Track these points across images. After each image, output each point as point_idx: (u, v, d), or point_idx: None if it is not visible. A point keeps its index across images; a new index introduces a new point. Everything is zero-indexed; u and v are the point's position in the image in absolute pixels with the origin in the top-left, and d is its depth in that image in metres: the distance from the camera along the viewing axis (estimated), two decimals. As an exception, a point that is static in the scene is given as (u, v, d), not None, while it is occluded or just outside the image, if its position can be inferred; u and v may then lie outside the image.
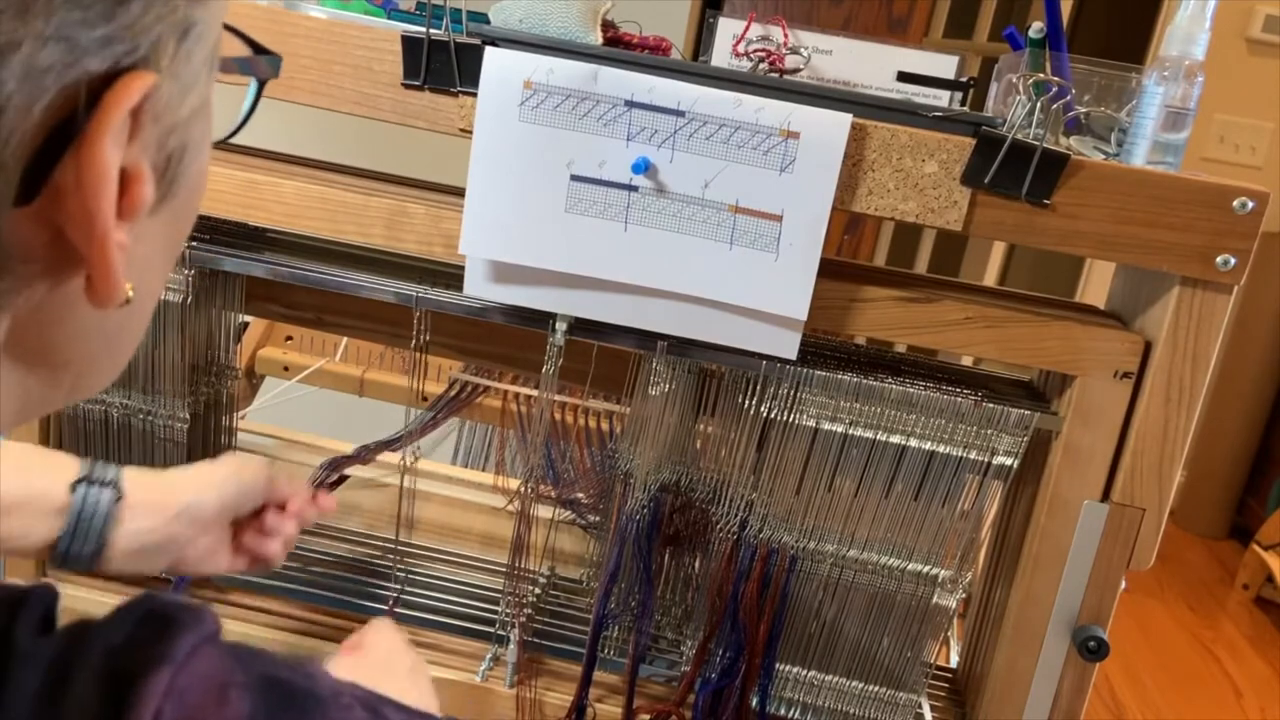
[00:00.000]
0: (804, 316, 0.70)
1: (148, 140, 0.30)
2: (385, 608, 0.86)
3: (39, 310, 0.31)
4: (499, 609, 0.86)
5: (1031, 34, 0.75)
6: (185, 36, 0.30)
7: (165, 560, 0.73)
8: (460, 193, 0.71)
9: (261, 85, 0.41)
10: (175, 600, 0.33)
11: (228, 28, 0.35)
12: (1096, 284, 2.43)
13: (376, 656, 0.69)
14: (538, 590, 0.91)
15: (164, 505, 0.71)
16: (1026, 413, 0.74)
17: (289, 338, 1.28)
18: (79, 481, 0.67)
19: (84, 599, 0.85)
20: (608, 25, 0.73)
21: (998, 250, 2.33)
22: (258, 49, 0.38)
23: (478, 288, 0.74)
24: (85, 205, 0.28)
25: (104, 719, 0.28)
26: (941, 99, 0.79)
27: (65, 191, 0.27)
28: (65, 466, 0.68)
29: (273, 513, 0.77)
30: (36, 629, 0.30)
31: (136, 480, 0.70)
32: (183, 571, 0.76)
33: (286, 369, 1.25)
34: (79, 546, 0.68)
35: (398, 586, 0.87)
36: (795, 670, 0.82)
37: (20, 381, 0.32)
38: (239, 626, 0.86)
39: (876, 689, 0.82)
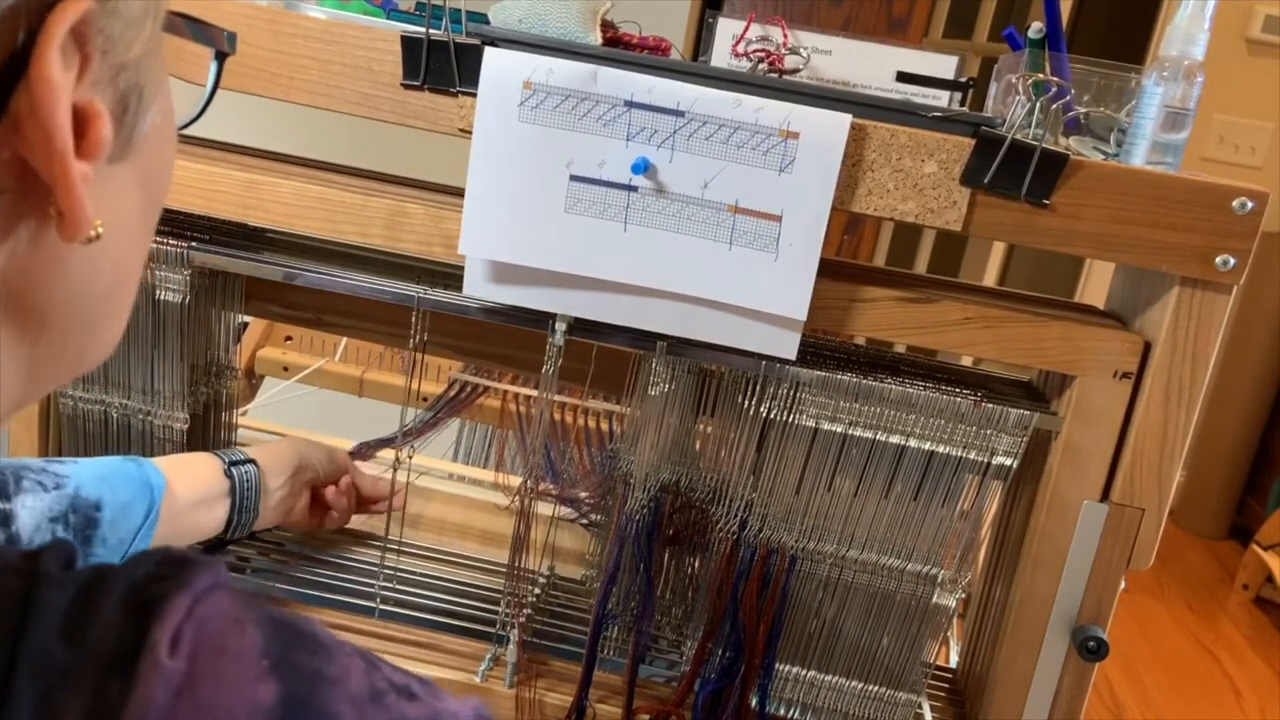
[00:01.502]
0: (803, 316, 0.71)
1: (99, 76, 0.31)
2: (374, 605, 0.86)
3: (26, 265, 0.32)
4: (499, 609, 0.86)
5: (1031, 34, 0.75)
6: None
7: (281, 515, 0.87)
8: (460, 193, 0.71)
9: (221, 59, 0.44)
10: (188, 550, 0.36)
11: (172, 11, 0.36)
12: (1096, 284, 2.43)
13: None
14: (538, 590, 0.91)
15: (282, 465, 0.85)
16: (1026, 413, 0.74)
17: (289, 338, 1.28)
18: (231, 465, 0.80)
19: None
20: (607, 25, 0.73)
21: (997, 250, 2.33)
22: (201, 24, 0.41)
23: (477, 288, 0.74)
24: (41, 125, 0.29)
25: (129, 635, 0.31)
26: (941, 99, 0.79)
27: (22, 118, 0.29)
28: (207, 460, 0.80)
29: (333, 490, 0.91)
30: (63, 565, 0.33)
31: (254, 451, 0.84)
32: (288, 525, 0.90)
33: (286, 369, 1.25)
34: (244, 519, 0.82)
35: (384, 584, 0.87)
36: (795, 670, 0.82)
37: (24, 351, 0.34)
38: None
39: (876, 689, 0.82)
